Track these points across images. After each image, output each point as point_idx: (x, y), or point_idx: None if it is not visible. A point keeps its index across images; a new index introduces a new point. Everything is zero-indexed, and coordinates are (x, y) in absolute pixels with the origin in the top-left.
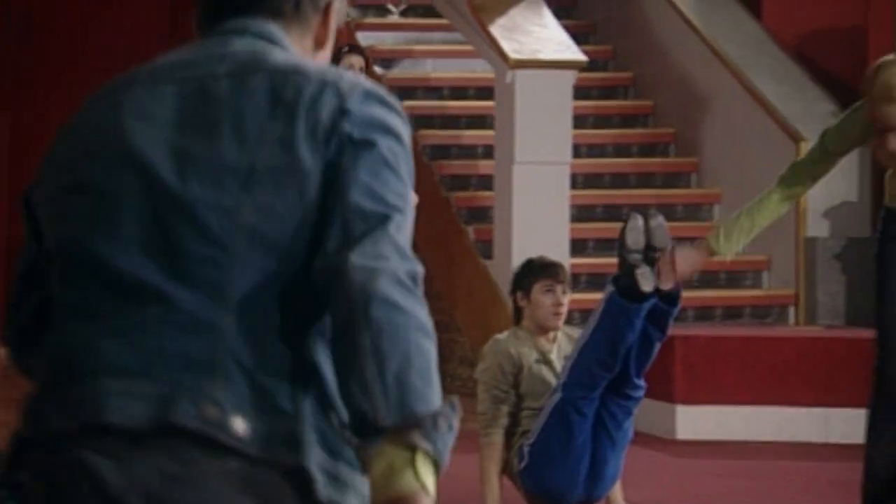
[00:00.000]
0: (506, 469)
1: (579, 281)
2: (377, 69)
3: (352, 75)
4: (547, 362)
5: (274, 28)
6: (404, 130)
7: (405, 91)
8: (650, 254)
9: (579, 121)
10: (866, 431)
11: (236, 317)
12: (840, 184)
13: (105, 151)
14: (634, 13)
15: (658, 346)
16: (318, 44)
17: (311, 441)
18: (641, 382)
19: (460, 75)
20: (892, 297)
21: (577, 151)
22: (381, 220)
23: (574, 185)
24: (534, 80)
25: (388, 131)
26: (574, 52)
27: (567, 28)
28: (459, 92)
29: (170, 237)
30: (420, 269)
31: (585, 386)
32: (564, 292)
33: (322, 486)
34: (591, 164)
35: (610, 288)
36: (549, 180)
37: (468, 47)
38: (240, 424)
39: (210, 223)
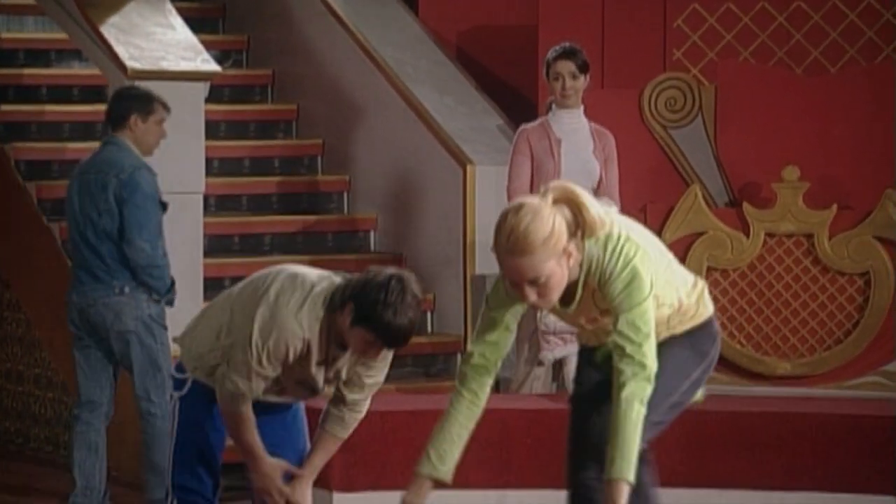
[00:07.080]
0: None
1: None
2: None
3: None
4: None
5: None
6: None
7: None
8: None
9: (210, 129)
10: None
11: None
12: None
13: None
14: None
15: None
16: None
17: None
18: None
19: (62, 72)
20: None
21: (209, 167)
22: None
23: (206, 210)
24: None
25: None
26: (206, 61)
27: (189, 13)
28: (61, 93)
29: None
30: None
31: None
32: None
33: None
34: (225, 183)
35: None
36: (178, 212)
37: None
38: None
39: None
